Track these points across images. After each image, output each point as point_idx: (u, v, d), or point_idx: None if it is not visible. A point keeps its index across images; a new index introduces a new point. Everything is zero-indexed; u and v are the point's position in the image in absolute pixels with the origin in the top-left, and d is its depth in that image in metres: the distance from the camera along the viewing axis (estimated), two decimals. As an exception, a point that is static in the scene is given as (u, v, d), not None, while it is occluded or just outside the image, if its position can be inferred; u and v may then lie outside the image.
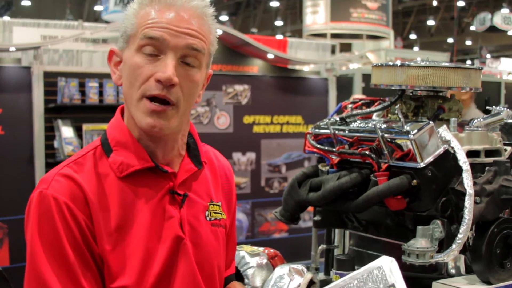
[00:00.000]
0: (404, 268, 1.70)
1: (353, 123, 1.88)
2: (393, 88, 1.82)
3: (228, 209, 1.56)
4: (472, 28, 21.04)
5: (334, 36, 13.37)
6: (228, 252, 1.59)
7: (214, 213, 1.48)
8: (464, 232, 1.58)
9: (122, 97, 1.42)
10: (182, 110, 1.35)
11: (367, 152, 1.71)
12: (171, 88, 1.30)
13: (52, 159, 5.36)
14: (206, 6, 1.38)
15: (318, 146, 1.88)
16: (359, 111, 1.91)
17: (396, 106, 1.78)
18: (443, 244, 1.64)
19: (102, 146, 1.39)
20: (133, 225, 1.33)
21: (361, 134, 1.78)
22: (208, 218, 1.46)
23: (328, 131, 1.87)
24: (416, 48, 25.68)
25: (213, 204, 1.48)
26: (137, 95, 1.32)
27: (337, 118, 1.92)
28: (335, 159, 1.84)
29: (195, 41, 1.33)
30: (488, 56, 22.22)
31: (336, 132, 1.84)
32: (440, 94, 1.85)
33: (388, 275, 1.37)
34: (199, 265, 1.40)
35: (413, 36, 28.08)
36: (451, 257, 1.60)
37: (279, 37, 15.86)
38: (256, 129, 6.41)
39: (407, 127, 1.67)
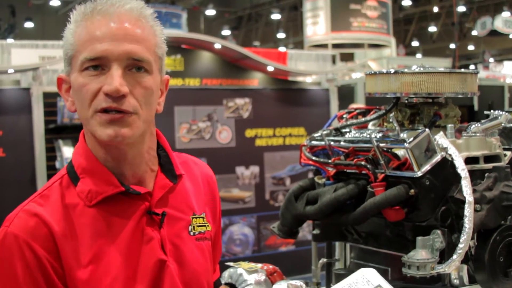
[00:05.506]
0: (406, 279, 1.67)
1: (348, 134, 1.84)
2: (387, 96, 1.78)
3: (213, 219, 1.51)
4: (474, 33, 21.01)
5: (336, 46, 13.36)
6: (214, 256, 1.53)
7: (198, 226, 1.42)
8: (465, 241, 1.53)
9: None
10: (143, 118, 1.28)
11: (362, 163, 1.67)
12: (121, 99, 1.24)
13: (54, 180, 5.33)
14: (143, 8, 1.31)
15: (314, 158, 1.85)
16: (354, 121, 1.88)
17: (391, 115, 1.74)
18: (444, 255, 1.59)
19: (69, 175, 1.33)
20: (110, 254, 1.26)
21: (357, 145, 1.74)
22: (191, 233, 1.40)
23: (323, 142, 1.83)
24: (418, 55, 25.64)
25: (196, 217, 1.43)
26: (90, 112, 1.26)
27: (333, 129, 1.89)
28: (331, 171, 1.81)
29: (138, 48, 1.26)
30: (491, 60, 22.18)
31: (331, 143, 1.81)
32: (436, 100, 1.81)
33: (373, 280, 1.36)
34: (186, 285, 1.35)
35: (415, 43, 28.04)
36: (453, 267, 1.56)
37: (281, 49, 15.88)
38: (258, 142, 6.38)
39: (402, 136, 1.63)
